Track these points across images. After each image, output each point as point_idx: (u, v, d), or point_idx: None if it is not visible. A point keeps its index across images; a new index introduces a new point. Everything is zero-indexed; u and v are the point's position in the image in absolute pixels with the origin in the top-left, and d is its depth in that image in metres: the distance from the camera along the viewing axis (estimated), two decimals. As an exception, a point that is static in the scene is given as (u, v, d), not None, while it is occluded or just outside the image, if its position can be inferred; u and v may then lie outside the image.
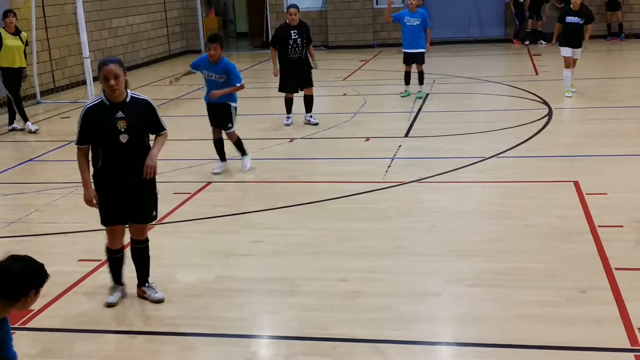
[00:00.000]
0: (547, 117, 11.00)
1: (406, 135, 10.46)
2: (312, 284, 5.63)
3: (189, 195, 8.04)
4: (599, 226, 6.45)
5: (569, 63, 12.39)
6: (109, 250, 5.48)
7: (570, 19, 12.17)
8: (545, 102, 12.09)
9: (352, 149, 9.87)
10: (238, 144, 8.97)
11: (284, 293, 5.51)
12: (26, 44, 12.08)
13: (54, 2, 15.34)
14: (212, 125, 8.95)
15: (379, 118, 11.94)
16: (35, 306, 4.36)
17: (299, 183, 8.44)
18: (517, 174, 8.34)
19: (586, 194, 7.34)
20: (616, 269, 5.58)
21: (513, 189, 7.84)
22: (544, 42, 19.63)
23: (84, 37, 14.26)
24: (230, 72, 8.64)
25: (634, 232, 6.32)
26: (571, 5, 12.23)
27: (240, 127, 11.54)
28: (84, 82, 14.83)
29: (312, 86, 11.44)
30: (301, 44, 11.05)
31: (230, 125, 8.81)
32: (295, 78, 11.28)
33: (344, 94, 14.16)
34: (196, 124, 12.10)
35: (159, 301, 5.43)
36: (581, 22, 12.07)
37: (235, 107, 8.87)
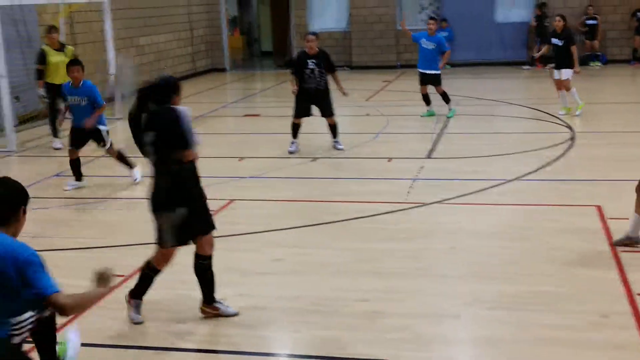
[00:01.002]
0: (570, 141, 10.97)
1: (428, 156, 10.48)
2: (333, 304, 5.65)
3: (212, 212, 8.08)
4: (621, 251, 6.41)
5: (556, 84, 12.77)
6: (153, 269, 5.40)
7: (553, 40, 12.62)
8: (568, 126, 12.05)
9: (374, 169, 9.91)
10: (121, 158, 9.32)
11: (304, 312, 5.53)
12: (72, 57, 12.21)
13: (83, 20, 15.60)
14: (72, 145, 9.18)
15: (402, 139, 11.98)
16: (58, 321, 4.43)
17: (320, 202, 8.48)
18: (539, 197, 8.31)
19: (608, 218, 7.30)
20: (638, 294, 5.54)
21: (534, 212, 7.82)
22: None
23: (111, 55, 14.50)
24: (94, 93, 8.95)
25: (657, 258, 6.27)
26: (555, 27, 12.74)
27: (265, 145, 11.68)
28: (111, 99, 15.05)
29: (333, 115, 11.04)
30: (319, 74, 10.68)
31: (104, 144, 9.24)
32: (309, 106, 10.96)
33: (367, 114, 14.22)
34: (218, 142, 12.22)
35: (233, 315, 5.42)
36: (561, 44, 12.45)
37: (107, 131, 9.26)
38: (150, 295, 5.60)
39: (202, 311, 5.48)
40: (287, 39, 23.03)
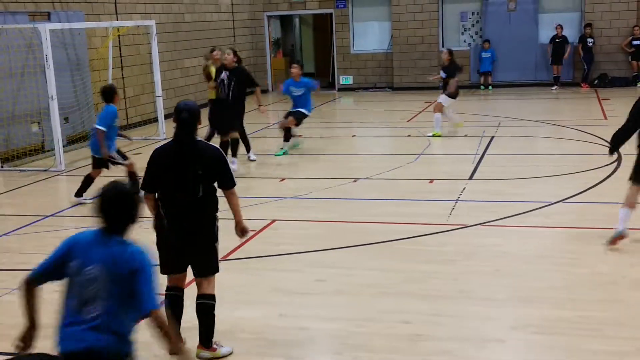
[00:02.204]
0: (616, 163, 10.81)
1: (470, 177, 10.43)
2: (375, 325, 5.65)
3: (254, 232, 8.17)
4: (669, 276, 6.30)
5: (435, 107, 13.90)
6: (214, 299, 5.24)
7: (441, 72, 14.14)
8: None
9: (416, 191, 9.89)
10: None
11: (346, 333, 5.54)
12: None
13: (130, 43, 15.95)
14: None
15: (443, 160, 11.94)
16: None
17: (361, 223, 8.49)
18: (585, 220, 8.20)
19: (651, 241, 7.18)
20: (687, 320, 5.44)
21: (580, 235, 7.72)
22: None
23: (157, 77, 14.78)
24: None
25: None
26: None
27: (307, 166, 11.76)
28: (155, 120, 15.32)
29: (229, 132, 11.35)
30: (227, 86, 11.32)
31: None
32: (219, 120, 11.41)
33: (409, 135, 14.21)
34: (262, 162, 12.32)
35: (228, 354, 5.21)
36: (444, 76, 13.80)
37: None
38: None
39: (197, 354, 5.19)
40: (330, 60, 23.19)
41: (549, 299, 6.00)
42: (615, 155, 7.90)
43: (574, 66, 20.63)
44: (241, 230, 5.35)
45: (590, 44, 19.94)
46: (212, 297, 5.19)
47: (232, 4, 21.47)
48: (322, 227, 8.47)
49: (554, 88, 20.32)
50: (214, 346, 5.20)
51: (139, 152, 13.68)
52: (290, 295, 6.36)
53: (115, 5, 15.85)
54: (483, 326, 5.56)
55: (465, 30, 21.67)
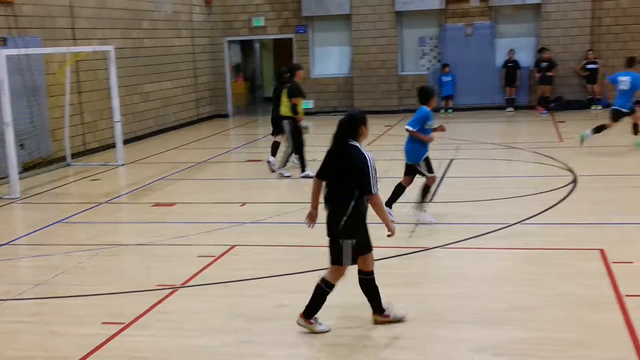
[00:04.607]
0: (572, 184, 10.98)
1: (430, 200, 10.46)
2: (338, 350, 5.60)
3: (214, 258, 8.08)
4: (626, 295, 6.37)
5: None
6: (329, 285, 5.87)
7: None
8: (570, 169, 12.07)
9: (376, 214, 9.86)
10: None
11: (309, 359, 5.47)
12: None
13: (88, 68, 15.78)
14: None
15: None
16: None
17: (323, 247, 8.43)
18: (543, 241, 8.28)
19: (613, 262, 7.26)
20: (645, 339, 5.49)
21: (538, 256, 7.79)
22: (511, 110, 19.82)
23: (115, 102, 14.64)
24: None
25: (663, 302, 6.22)
26: None
27: (268, 191, 11.71)
28: (114, 146, 15.15)
29: None
30: None
31: None
32: None
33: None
34: (222, 187, 12.27)
35: (402, 318, 5.95)
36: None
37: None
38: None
39: (375, 321, 5.98)
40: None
41: (510, 321, 6.02)
42: None
43: (529, 90, 21.00)
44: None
45: (545, 68, 20.32)
46: (372, 273, 6.05)
47: (192, 29, 21.45)
48: (283, 251, 8.41)
49: (508, 110, 20.69)
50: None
51: (97, 178, 13.51)
52: (251, 322, 6.27)
53: (73, 31, 15.70)
54: (447, 349, 5.55)
55: (424, 55, 21.95)
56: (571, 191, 10.55)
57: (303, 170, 12.52)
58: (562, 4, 20.49)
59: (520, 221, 9.06)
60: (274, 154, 13.30)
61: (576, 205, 9.83)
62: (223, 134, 19.94)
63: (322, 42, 22.49)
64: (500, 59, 21.14)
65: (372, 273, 5.99)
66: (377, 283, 6.01)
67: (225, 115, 22.98)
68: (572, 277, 6.99)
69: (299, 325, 5.91)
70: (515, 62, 20.69)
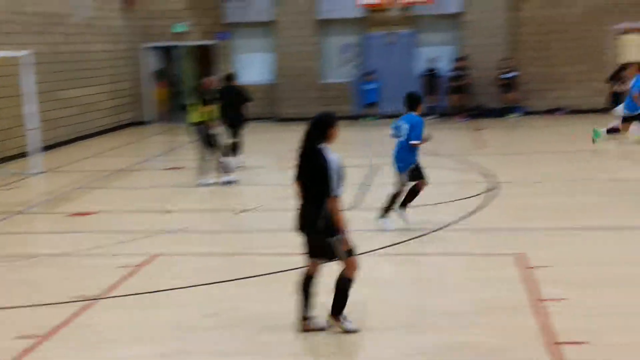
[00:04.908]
0: (493, 190, 11.21)
1: (354, 207, 10.50)
2: (258, 356, 5.52)
3: (134, 268, 7.87)
4: (544, 299, 6.51)
5: None
6: (350, 280, 5.88)
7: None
8: (491, 175, 12.33)
9: (301, 221, 9.84)
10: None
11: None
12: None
13: (3, 74, 15.19)
14: None
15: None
16: None
17: (248, 255, 8.36)
18: (463, 247, 8.41)
19: (532, 266, 7.42)
20: (558, 343, 5.62)
21: (459, 261, 7.91)
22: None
23: (31, 108, 14.16)
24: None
25: (578, 305, 6.39)
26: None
27: (190, 198, 11.52)
28: (28, 153, 14.62)
29: None
30: None
31: None
32: None
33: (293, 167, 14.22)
34: (140, 196, 12.03)
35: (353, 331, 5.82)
36: None
37: None
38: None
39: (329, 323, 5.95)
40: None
41: (434, 326, 6.07)
42: None
43: (449, 97, 21.40)
44: None
45: (466, 76, 20.77)
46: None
47: (111, 34, 20.99)
48: (208, 260, 8.27)
49: (429, 118, 21.02)
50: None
51: (11, 187, 13.01)
52: (174, 332, 6.13)
53: (-15, 35, 15.12)
54: (373, 356, 5.54)
55: (346, 63, 22.10)
56: (492, 197, 10.76)
57: (209, 177, 12.31)
58: (481, 14, 20.98)
59: (442, 227, 9.17)
60: (234, 155, 13.62)
61: (496, 210, 10.03)
62: (143, 141, 19.57)
63: (245, 48, 22.38)
64: (422, 67, 21.48)
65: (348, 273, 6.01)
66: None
67: (146, 122, 22.56)
68: (492, 282, 7.11)
69: (331, 326, 5.90)
70: (435, 70, 21.06)
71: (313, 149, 5.85)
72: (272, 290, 7.13)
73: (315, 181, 5.78)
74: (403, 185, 9.12)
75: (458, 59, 20.92)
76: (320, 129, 5.89)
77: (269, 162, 15.24)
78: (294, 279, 7.38)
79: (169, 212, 10.58)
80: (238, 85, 14.38)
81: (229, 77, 14.53)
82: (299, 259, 7.93)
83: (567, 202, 10.38)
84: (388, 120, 21.00)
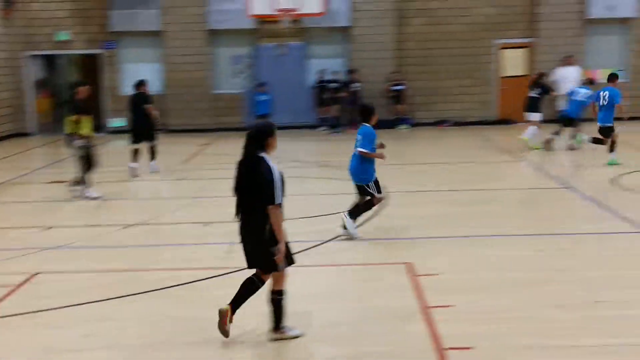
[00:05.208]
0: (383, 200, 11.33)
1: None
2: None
3: (13, 287, 7.45)
4: (432, 307, 6.61)
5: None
6: (281, 292, 5.95)
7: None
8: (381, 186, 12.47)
9: (191, 235, 9.64)
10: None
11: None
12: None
13: None
14: None
15: (219, 202, 11.80)
16: None
17: (134, 272, 8.08)
18: (353, 257, 8.45)
19: (420, 275, 7.54)
20: (446, 348, 5.72)
21: (348, 272, 7.95)
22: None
23: None
24: None
25: (465, 312, 6.53)
26: None
27: (75, 213, 11.03)
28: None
29: None
30: None
31: None
32: None
33: (183, 179, 13.96)
34: (21, 211, 11.47)
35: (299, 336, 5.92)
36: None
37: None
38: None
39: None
40: (98, 102, 22.30)
41: (327, 337, 6.06)
42: None
43: (342, 109, 21.61)
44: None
45: (356, 89, 21.07)
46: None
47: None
48: (91, 278, 7.92)
49: (321, 129, 21.20)
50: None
51: None
52: (52, 354, 5.82)
53: None
54: (261, 371, 5.45)
55: (238, 74, 21.96)
56: (381, 207, 10.88)
57: (92, 191, 11.92)
58: (369, 28, 21.36)
59: (332, 238, 9.18)
60: (135, 160, 13.98)
61: (385, 220, 10.15)
62: (25, 153, 18.71)
63: (132, 58, 21.83)
64: (312, 79, 21.62)
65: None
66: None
67: (28, 134, 21.59)
68: (381, 291, 7.17)
69: (274, 340, 5.90)
70: (326, 82, 21.23)
71: (254, 158, 5.90)
72: (159, 306, 6.90)
73: (258, 191, 5.83)
74: (365, 197, 9.17)
75: (350, 71, 21.17)
76: (259, 139, 5.95)
77: (155, 175, 14.83)
78: (183, 294, 7.21)
79: (50, 227, 10.10)
80: (148, 93, 14.67)
81: (140, 84, 14.59)
82: (186, 274, 7.75)
83: (455, 212, 10.64)
84: (280, 132, 21.07)
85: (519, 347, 5.77)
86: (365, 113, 9.23)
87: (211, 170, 14.89)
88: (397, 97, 21.28)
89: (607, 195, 11.32)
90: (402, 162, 14.63)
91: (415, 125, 21.34)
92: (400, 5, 21.47)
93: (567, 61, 20.14)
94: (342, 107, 21.09)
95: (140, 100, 14.35)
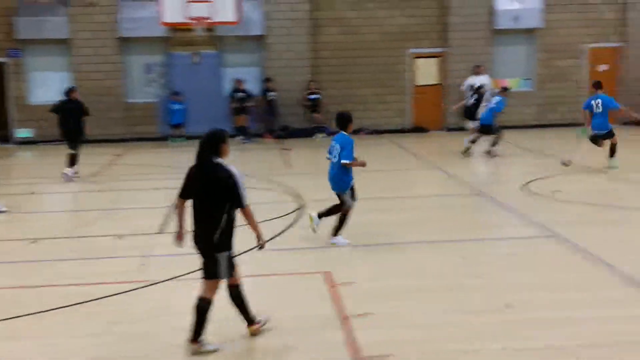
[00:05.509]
0: (299, 210, 11.31)
1: (161, 231, 10.13)
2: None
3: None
4: (351, 315, 6.59)
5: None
6: (209, 302, 5.88)
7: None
8: (298, 195, 12.46)
9: (103, 248, 9.34)
10: None
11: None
12: None
13: None
14: None
15: (133, 214, 11.51)
16: None
17: (42, 287, 7.74)
18: (270, 267, 8.36)
19: (338, 283, 7.52)
20: (366, 357, 5.71)
21: (268, 281, 7.85)
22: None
23: None
24: None
25: (384, 319, 6.54)
26: None
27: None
28: None
29: None
30: None
31: None
32: None
33: (98, 191, 13.56)
34: None
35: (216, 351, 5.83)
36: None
37: None
38: None
39: (252, 333, 6.13)
40: (4, 112, 21.46)
41: (251, 348, 6.01)
42: None
43: (258, 118, 21.52)
44: None
45: (272, 98, 21.01)
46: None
47: None
48: (1, 294, 7.55)
49: (239, 139, 21.00)
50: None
51: None
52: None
53: None
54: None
55: (151, 82, 21.56)
56: (299, 217, 10.85)
57: None
58: (284, 37, 21.35)
59: (251, 248, 9.05)
60: (71, 166, 14.21)
61: (303, 230, 10.10)
62: None
63: (39, 67, 21.11)
64: (228, 88, 21.42)
65: (239, 285, 6.11)
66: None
67: None
68: (300, 300, 7.12)
69: (193, 353, 5.79)
70: (244, 91, 21.03)
71: (210, 164, 5.88)
72: (70, 324, 6.62)
73: (217, 195, 5.79)
74: (346, 204, 9.08)
75: (264, 80, 21.11)
76: (212, 145, 5.95)
77: (64, 187, 14.34)
78: (93, 311, 6.94)
79: (-49, 244, 9.60)
80: (78, 99, 14.83)
81: (70, 91, 14.85)
82: (100, 289, 7.48)
83: (373, 220, 10.69)
84: (196, 141, 20.77)
85: (439, 353, 5.81)
86: (343, 121, 9.21)
87: (124, 181, 14.52)
88: (314, 106, 21.34)
89: (518, 200, 11.63)
90: (319, 171, 14.61)
91: (332, 134, 21.37)
92: (315, 15, 21.57)
93: (477, 70, 20.67)
94: (252, 117, 20.99)
95: (75, 107, 14.60)
